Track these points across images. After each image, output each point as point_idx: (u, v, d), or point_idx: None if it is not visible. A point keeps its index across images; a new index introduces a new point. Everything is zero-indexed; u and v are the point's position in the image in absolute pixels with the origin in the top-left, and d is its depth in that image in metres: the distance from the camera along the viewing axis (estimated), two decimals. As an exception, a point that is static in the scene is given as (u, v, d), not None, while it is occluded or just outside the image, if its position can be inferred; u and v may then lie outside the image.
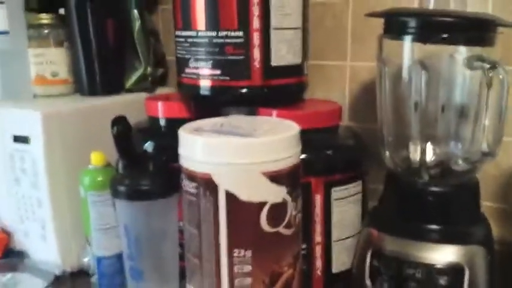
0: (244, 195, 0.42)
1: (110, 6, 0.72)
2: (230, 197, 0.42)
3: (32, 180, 0.60)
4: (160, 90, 0.80)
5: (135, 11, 0.70)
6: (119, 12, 0.73)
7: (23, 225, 0.63)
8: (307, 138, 0.53)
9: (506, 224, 0.62)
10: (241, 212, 0.42)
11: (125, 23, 0.72)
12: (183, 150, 0.45)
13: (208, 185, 0.42)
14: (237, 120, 0.50)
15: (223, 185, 0.42)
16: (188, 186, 0.44)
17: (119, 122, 0.56)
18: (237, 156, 0.41)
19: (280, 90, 0.58)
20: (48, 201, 0.60)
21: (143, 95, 0.75)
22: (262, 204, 0.42)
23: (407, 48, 0.51)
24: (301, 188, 0.46)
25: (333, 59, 0.71)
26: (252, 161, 0.41)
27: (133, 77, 0.74)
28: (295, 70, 0.59)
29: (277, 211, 0.43)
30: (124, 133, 0.56)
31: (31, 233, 0.63)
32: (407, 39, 0.50)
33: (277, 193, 0.42)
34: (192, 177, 0.44)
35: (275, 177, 0.42)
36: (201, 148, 0.43)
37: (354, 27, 0.69)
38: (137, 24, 0.70)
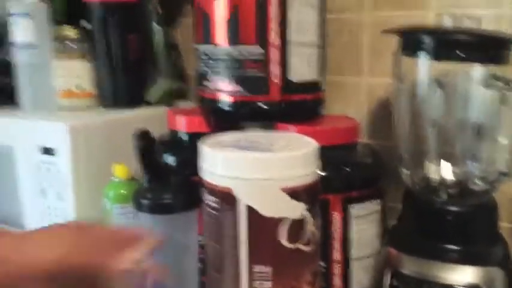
0: (264, 210, 0.42)
1: (132, 21, 0.74)
2: (250, 211, 0.42)
3: (57, 191, 0.62)
4: (181, 104, 0.82)
5: (157, 26, 0.72)
6: (140, 26, 0.75)
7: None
8: (325, 154, 0.54)
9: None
10: (262, 227, 0.42)
11: (147, 36, 0.74)
12: (203, 164, 0.46)
13: (229, 199, 0.43)
14: (255, 135, 0.51)
15: (244, 200, 0.42)
16: (209, 200, 0.45)
17: (142, 136, 0.58)
18: (257, 171, 0.42)
19: (298, 106, 0.59)
20: (74, 213, 0.62)
21: (164, 109, 0.76)
22: (282, 220, 0.42)
23: (423, 66, 0.51)
24: (319, 205, 0.47)
25: (349, 75, 0.72)
26: (271, 176, 0.42)
27: (155, 91, 0.75)
28: (313, 86, 0.60)
29: (297, 227, 0.43)
30: (147, 147, 0.58)
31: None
32: (423, 57, 0.50)
33: (296, 209, 0.43)
34: (213, 191, 0.44)
35: (294, 193, 0.43)
36: (221, 162, 0.44)
37: (370, 42, 0.69)
38: (158, 38, 0.72)
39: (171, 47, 0.77)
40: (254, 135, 0.51)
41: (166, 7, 0.76)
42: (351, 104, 0.72)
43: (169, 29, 0.81)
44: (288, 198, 0.42)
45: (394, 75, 0.55)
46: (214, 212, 0.45)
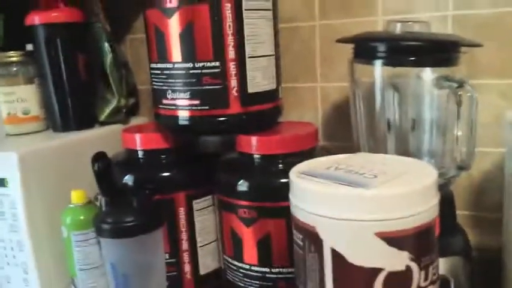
0: (353, 257, 0.35)
1: (79, 41, 0.70)
2: (337, 256, 0.35)
3: (10, 223, 0.58)
4: (134, 121, 0.80)
5: (106, 44, 0.69)
6: (88, 45, 0.72)
7: (3, 270, 0.60)
8: (287, 162, 0.54)
9: (480, 230, 0.65)
10: (350, 276, 0.36)
11: (96, 56, 0.71)
12: (291, 195, 0.41)
13: (313, 239, 0.37)
14: (359, 160, 0.42)
15: (329, 242, 0.36)
16: (296, 236, 0.40)
17: (99, 159, 0.55)
18: (345, 210, 0.35)
19: (258, 116, 0.59)
20: (29, 244, 0.58)
21: (118, 127, 0.74)
22: (376, 271, 0.35)
23: (378, 71, 0.53)
24: (286, 213, 0.45)
25: (304, 81, 0.73)
26: (362, 218, 0.34)
27: (107, 110, 0.73)
28: (271, 95, 0.60)
29: (398, 281, 0.35)
30: (105, 169, 0.55)
31: (13, 278, 0.60)
32: (378, 64, 0.52)
33: (397, 259, 0.35)
34: (299, 227, 0.39)
35: (394, 241, 0.34)
36: (306, 196, 0.38)
37: (322, 50, 0.71)
38: (109, 57, 0.69)
39: (121, 64, 0.74)
40: (360, 159, 0.42)
41: (115, 25, 0.74)
42: (307, 109, 0.73)
43: (119, 46, 0.79)
44: (385, 245, 0.34)
45: (350, 81, 0.55)
46: (300, 250, 0.39)
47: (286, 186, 0.53)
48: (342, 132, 0.71)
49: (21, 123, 0.69)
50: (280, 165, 0.56)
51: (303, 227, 0.38)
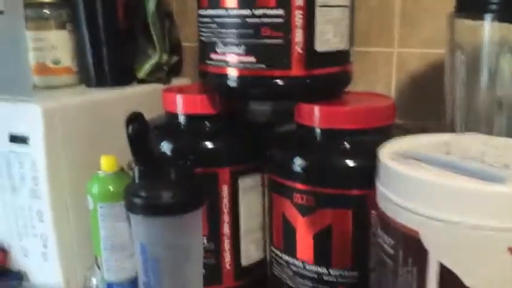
0: (471, 280, 0.26)
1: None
2: (447, 275, 0.26)
3: (31, 188, 0.51)
4: (176, 81, 0.71)
5: (150, -12, 0.60)
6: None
7: (21, 242, 0.54)
8: (358, 140, 0.45)
9: None
10: None
11: (137, 2, 0.62)
12: (381, 183, 0.31)
13: (414, 247, 0.27)
14: (475, 143, 0.32)
15: (437, 255, 0.26)
16: (383, 239, 0.30)
17: (135, 120, 0.46)
18: (469, 213, 0.25)
19: (325, 81, 0.48)
20: (51, 214, 0.51)
21: (158, 87, 0.66)
22: None
23: (489, 30, 0.41)
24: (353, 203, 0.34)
25: (377, 45, 0.61)
26: (493, 225, 0.25)
27: (147, 66, 0.64)
28: (342, 57, 0.49)
29: None
30: (141, 133, 0.47)
31: (31, 251, 0.53)
32: (490, 19, 0.40)
33: None
34: (391, 229, 0.29)
35: None
36: (409, 188, 0.28)
37: (403, 7, 0.59)
38: (151, 3, 0.60)
39: (165, 14, 0.65)
40: (476, 141, 0.32)
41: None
42: (378, 79, 0.62)
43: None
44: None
45: (448, 42, 0.44)
46: (388, 259, 0.30)
47: (355, 170, 0.44)
48: (419, 109, 0.59)
49: (50, 74, 0.61)
50: (348, 144, 0.46)
51: (399, 230, 0.28)
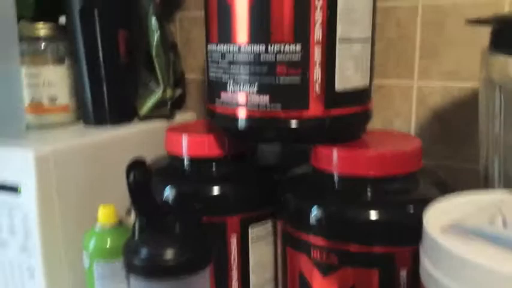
0: None
1: (122, 14, 0.58)
2: None
3: (21, 242, 0.46)
4: (180, 116, 0.67)
5: (154, 20, 0.56)
6: (132, 20, 0.59)
7: (8, 301, 0.49)
8: (383, 189, 0.41)
9: None
10: None
11: (141, 34, 0.58)
12: (427, 255, 0.27)
13: None
14: None
15: None
16: None
17: (137, 168, 0.42)
18: None
19: (345, 123, 0.44)
20: (43, 271, 0.46)
21: (161, 123, 0.62)
22: None
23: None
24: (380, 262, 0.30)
25: (395, 77, 0.57)
26: None
27: (150, 102, 0.60)
28: (363, 95, 0.45)
29: None
30: (143, 183, 0.42)
31: (18, 312, 0.48)
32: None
33: None
34: None
35: None
36: (466, 272, 0.23)
37: (424, 37, 0.55)
38: (156, 36, 0.56)
39: (170, 46, 0.61)
40: None
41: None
42: (396, 114, 0.58)
43: (167, 24, 0.66)
44: None
45: (483, 79, 0.40)
46: None
47: (382, 225, 0.39)
48: (444, 148, 0.55)
49: (46, 113, 0.57)
50: (372, 193, 0.41)
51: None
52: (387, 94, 0.58)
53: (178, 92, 0.69)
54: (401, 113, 0.58)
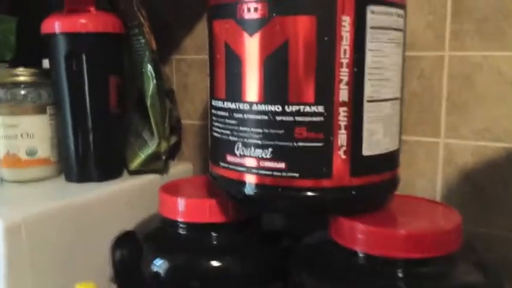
0: None
1: (113, 59, 0.54)
2: None
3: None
4: (176, 167, 0.63)
5: (150, 67, 0.52)
6: (124, 66, 0.55)
7: None
8: (415, 273, 0.37)
9: None
10: None
11: (133, 80, 0.55)
12: None
13: None
14: None
15: None
16: None
17: (125, 244, 0.38)
18: None
19: (372, 192, 0.40)
20: None
21: (153, 179, 0.57)
22: None
23: None
24: None
25: (421, 135, 0.54)
26: None
27: (142, 155, 0.55)
28: (392, 160, 0.41)
29: None
30: (132, 261, 0.38)
31: None
32: None
33: None
34: None
35: None
36: None
37: (451, 91, 0.52)
38: (152, 84, 0.52)
39: (166, 94, 0.58)
40: None
41: (163, 40, 0.58)
42: (420, 174, 0.54)
43: (163, 68, 0.63)
44: None
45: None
46: None
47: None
48: (477, 214, 0.51)
49: (23, 167, 0.52)
50: (404, 277, 0.37)
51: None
52: (409, 151, 0.54)
53: (174, 140, 0.65)
54: (425, 172, 0.54)
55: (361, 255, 0.38)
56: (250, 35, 0.37)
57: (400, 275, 0.37)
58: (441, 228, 0.38)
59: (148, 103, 0.53)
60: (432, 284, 0.37)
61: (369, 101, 0.37)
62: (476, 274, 0.39)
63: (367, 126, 0.38)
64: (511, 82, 0.48)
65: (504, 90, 0.49)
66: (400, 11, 0.39)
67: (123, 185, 0.54)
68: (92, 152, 0.53)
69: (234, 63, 0.39)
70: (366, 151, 0.38)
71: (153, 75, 0.52)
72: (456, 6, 0.50)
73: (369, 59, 0.37)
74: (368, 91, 0.37)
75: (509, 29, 0.48)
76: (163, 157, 0.56)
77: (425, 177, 0.54)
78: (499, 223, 0.51)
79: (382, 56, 0.37)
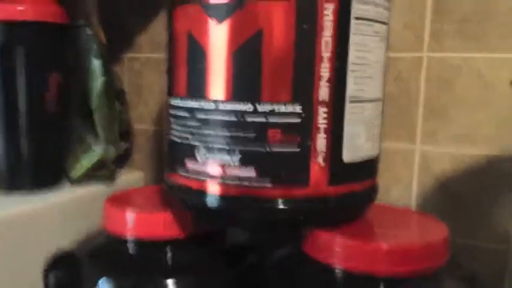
0: None
1: (54, 53, 0.48)
2: None
3: None
4: (125, 177, 0.57)
5: (97, 62, 0.46)
6: (68, 61, 0.49)
7: None
8: None
9: None
10: None
11: (77, 77, 0.48)
12: None
13: None
14: None
15: None
16: None
17: (61, 265, 0.32)
18: None
19: (351, 201, 0.36)
20: None
21: (98, 188, 0.51)
22: None
23: None
24: None
25: (396, 140, 0.51)
26: None
27: (85, 163, 0.49)
28: (373, 167, 0.38)
29: None
30: (71, 286, 0.32)
31: None
32: None
33: None
34: None
35: None
36: None
37: (429, 95, 0.49)
38: (99, 82, 0.46)
39: (116, 95, 0.51)
40: None
41: (113, 35, 0.51)
42: (394, 182, 0.51)
43: (113, 67, 0.56)
44: None
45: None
46: None
47: None
48: (455, 224, 0.48)
49: None
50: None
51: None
52: (383, 157, 0.51)
53: (124, 146, 0.59)
54: (400, 179, 0.51)
55: (339, 271, 0.34)
56: (218, 22, 0.32)
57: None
58: (428, 241, 0.35)
59: (94, 103, 0.46)
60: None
61: (351, 101, 0.33)
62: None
63: (348, 129, 0.34)
64: (491, 85, 0.46)
65: (484, 94, 0.47)
66: (386, 3, 0.35)
67: (62, 196, 0.48)
68: (25, 156, 0.46)
69: (198, 56, 0.34)
70: (347, 157, 0.34)
71: (101, 71, 0.46)
72: (437, 6, 0.48)
73: (353, 53, 0.33)
74: (350, 90, 0.33)
75: (491, 30, 0.46)
76: (111, 165, 0.50)
77: (401, 184, 0.51)
78: (479, 233, 0.48)
79: (366, 51, 0.34)
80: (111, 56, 0.55)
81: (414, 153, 0.50)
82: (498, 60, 0.46)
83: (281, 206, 0.34)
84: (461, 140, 0.48)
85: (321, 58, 0.32)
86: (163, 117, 0.47)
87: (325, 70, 0.32)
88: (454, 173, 0.49)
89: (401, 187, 0.51)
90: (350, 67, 0.33)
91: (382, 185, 0.51)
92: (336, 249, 0.34)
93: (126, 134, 0.60)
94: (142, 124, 0.64)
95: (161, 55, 0.60)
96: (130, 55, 0.63)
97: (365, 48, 0.34)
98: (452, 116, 0.48)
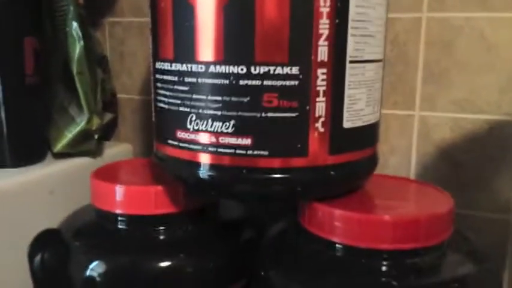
0: None
1: (28, 15, 0.45)
2: None
3: None
4: (111, 149, 0.55)
5: (75, 25, 0.43)
6: (44, 25, 0.46)
7: None
8: (402, 264, 0.32)
9: None
10: None
11: (55, 43, 0.45)
12: None
13: None
14: None
15: None
16: None
17: (46, 244, 0.30)
18: None
19: (352, 172, 0.34)
20: None
21: (84, 161, 0.49)
22: None
23: None
24: None
25: (394, 107, 0.49)
26: None
27: (68, 134, 0.47)
28: (373, 134, 0.36)
29: None
30: (57, 266, 0.30)
31: None
32: None
33: None
34: None
35: None
36: None
37: (428, 59, 0.47)
38: (78, 47, 0.43)
39: (98, 61, 0.49)
40: None
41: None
42: (393, 150, 0.50)
43: (94, 32, 0.53)
44: None
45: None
46: None
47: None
48: (456, 192, 0.47)
49: None
50: (389, 270, 0.32)
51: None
52: (381, 125, 0.50)
53: (108, 117, 0.56)
54: (398, 148, 0.50)
55: (339, 246, 0.33)
56: (206, -24, 0.30)
57: (386, 268, 0.32)
58: (433, 213, 0.33)
59: (75, 70, 0.44)
60: (424, 279, 0.32)
61: (351, 62, 0.31)
62: (469, 263, 0.35)
63: (349, 92, 0.32)
64: (494, 47, 0.44)
65: (487, 57, 0.45)
66: (388, -48, 0.33)
67: (46, 171, 0.45)
68: (4, 130, 0.43)
69: (185, 13, 0.31)
70: (347, 123, 0.32)
71: (79, 35, 0.43)
72: (437, -40, 0.45)
73: (353, 9, 0.31)
74: (351, 49, 0.31)
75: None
76: (95, 136, 0.48)
77: (399, 153, 0.50)
78: (481, 203, 0.47)
79: (367, 6, 0.31)
80: (90, 21, 0.52)
81: (413, 120, 0.49)
82: (502, 20, 0.44)
83: (278, 177, 0.32)
84: (462, 106, 0.47)
85: (320, 13, 0.30)
86: (149, 86, 0.44)
87: (324, 27, 0.30)
88: (455, 140, 0.47)
89: (400, 156, 0.50)
90: (350, 24, 0.31)
91: (379, 155, 0.50)
92: (336, 223, 0.33)
93: (110, 104, 0.57)
94: (126, 94, 0.61)
95: (145, 19, 0.57)
96: (111, 19, 0.60)
97: (366, 3, 0.31)
98: (453, 80, 0.46)
